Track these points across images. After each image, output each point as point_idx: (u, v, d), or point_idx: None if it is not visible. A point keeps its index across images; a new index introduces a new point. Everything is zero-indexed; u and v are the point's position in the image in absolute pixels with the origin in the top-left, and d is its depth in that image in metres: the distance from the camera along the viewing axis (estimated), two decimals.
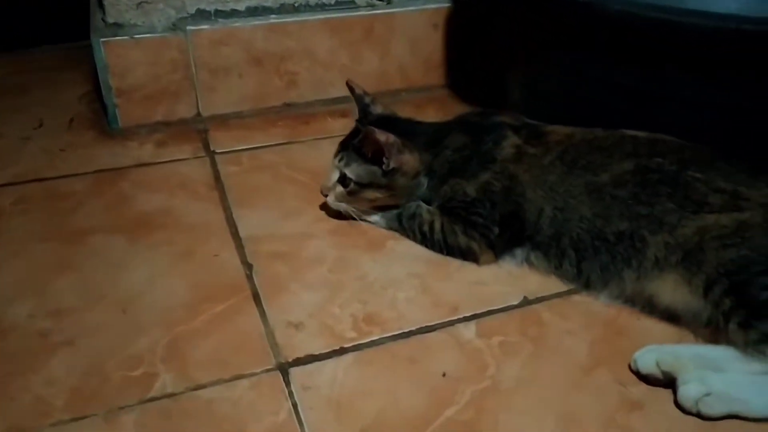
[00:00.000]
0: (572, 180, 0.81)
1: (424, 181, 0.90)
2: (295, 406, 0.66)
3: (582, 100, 0.96)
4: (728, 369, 0.67)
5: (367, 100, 0.96)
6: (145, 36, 1.11)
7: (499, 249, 0.85)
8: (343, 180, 0.89)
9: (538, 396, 0.67)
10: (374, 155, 0.87)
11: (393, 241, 0.91)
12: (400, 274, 0.84)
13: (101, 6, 1.10)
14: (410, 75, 1.31)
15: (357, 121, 0.95)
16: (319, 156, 1.06)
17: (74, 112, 1.22)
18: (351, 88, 0.96)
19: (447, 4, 1.28)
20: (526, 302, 0.80)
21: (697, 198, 0.74)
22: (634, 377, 0.69)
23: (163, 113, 1.17)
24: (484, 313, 0.78)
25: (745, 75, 0.82)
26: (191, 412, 0.65)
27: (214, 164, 1.08)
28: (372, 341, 0.74)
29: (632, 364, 0.70)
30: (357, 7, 1.23)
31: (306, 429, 0.63)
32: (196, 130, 1.18)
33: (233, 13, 1.16)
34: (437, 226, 0.87)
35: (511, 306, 0.79)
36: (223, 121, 1.20)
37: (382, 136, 0.85)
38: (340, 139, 0.95)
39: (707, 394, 0.65)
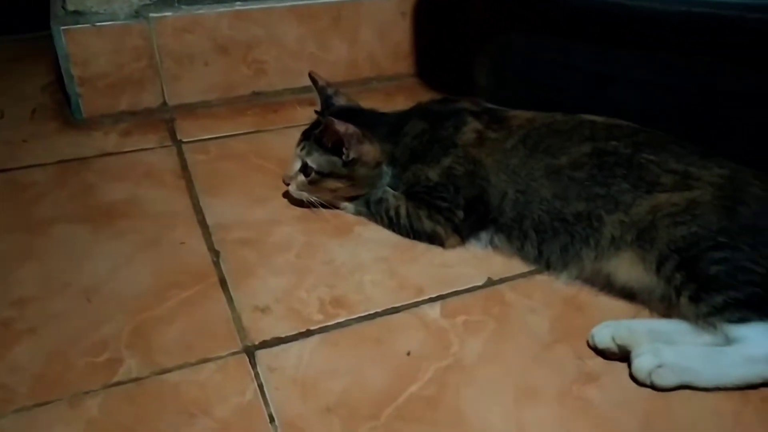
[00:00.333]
0: (533, 163, 0.83)
1: (387, 170, 0.91)
2: (261, 387, 0.66)
3: (543, 84, 0.98)
4: (680, 341, 0.70)
5: (329, 91, 0.97)
6: (107, 24, 1.10)
7: (464, 232, 0.87)
8: (304, 169, 0.90)
9: (499, 371, 0.69)
10: (334, 145, 0.88)
11: (360, 227, 0.92)
12: (367, 259, 0.85)
13: None
14: (380, 64, 1.32)
15: (318, 112, 0.95)
16: (289, 144, 1.05)
17: (36, 103, 1.20)
18: (314, 80, 0.97)
19: None
20: (490, 283, 0.82)
21: (651, 179, 0.77)
22: (592, 352, 0.72)
23: (127, 102, 1.16)
24: (449, 294, 0.80)
25: (695, 57, 0.85)
26: (156, 396, 0.65)
27: (181, 153, 1.07)
28: (338, 323, 0.75)
29: (590, 340, 0.72)
30: None
31: (272, 408, 0.64)
32: (162, 119, 1.17)
33: (197, 0, 1.15)
34: (403, 211, 0.89)
35: (475, 287, 0.81)
36: (190, 110, 1.19)
37: (342, 127, 0.86)
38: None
39: (660, 366, 0.67)
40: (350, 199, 0.93)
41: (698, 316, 0.70)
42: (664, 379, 0.67)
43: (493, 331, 0.74)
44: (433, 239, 0.88)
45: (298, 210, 0.94)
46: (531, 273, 0.83)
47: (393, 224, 0.90)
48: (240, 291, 0.79)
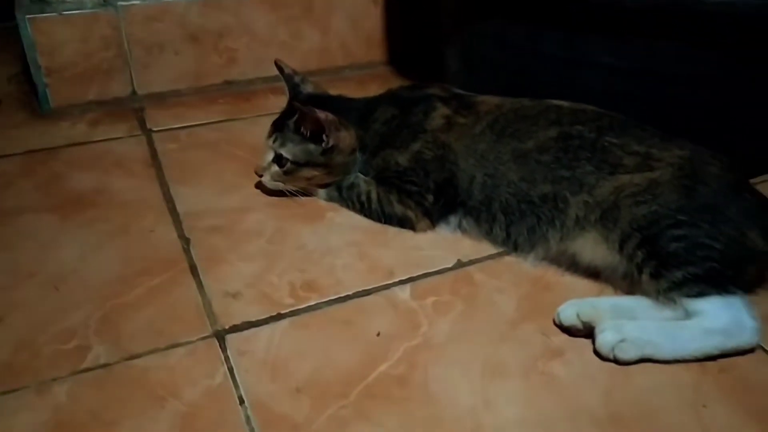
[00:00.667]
0: (501, 147, 0.84)
1: (359, 156, 0.92)
2: (231, 370, 0.67)
3: (512, 70, 1.00)
4: (643, 317, 0.72)
5: (296, 79, 0.97)
6: (73, 12, 1.08)
7: (435, 216, 0.88)
8: (279, 160, 0.90)
9: (467, 349, 0.70)
10: (313, 134, 0.88)
11: (332, 213, 0.92)
12: (339, 243, 0.86)
13: None
14: (352, 52, 1.32)
15: (295, 101, 0.95)
16: (261, 132, 1.05)
17: (3, 94, 1.18)
18: (280, 68, 0.97)
19: None
20: (459, 265, 0.83)
21: (614, 161, 0.78)
22: (557, 329, 0.73)
23: (96, 92, 1.14)
24: (419, 276, 0.81)
25: (657, 41, 0.87)
26: (125, 381, 0.65)
27: (150, 142, 1.06)
28: (309, 306, 0.75)
29: (555, 318, 0.74)
30: None
31: (242, 390, 0.65)
32: (132, 108, 1.16)
33: None
34: (374, 196, 0.89)
35: (445, 269, 0.82)
36: (160, 99, 1.18)
37: (322, 114, 0.86)
38: None
39: (622, 341, 0.69)
40: (323, 186, 0.94)
41: (659, 291, 0.72)
42: (626, 353, 0.69)
43: (461, 311, 0.76)
44: (404, 223, 0.89)
45: (270, 197, 0.94)
46: (499, 255, 0.85)
47: (364, 209, 0.90)
48: (210, 277, 0.79)
